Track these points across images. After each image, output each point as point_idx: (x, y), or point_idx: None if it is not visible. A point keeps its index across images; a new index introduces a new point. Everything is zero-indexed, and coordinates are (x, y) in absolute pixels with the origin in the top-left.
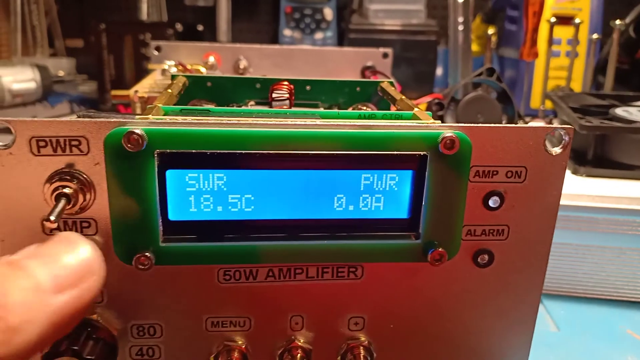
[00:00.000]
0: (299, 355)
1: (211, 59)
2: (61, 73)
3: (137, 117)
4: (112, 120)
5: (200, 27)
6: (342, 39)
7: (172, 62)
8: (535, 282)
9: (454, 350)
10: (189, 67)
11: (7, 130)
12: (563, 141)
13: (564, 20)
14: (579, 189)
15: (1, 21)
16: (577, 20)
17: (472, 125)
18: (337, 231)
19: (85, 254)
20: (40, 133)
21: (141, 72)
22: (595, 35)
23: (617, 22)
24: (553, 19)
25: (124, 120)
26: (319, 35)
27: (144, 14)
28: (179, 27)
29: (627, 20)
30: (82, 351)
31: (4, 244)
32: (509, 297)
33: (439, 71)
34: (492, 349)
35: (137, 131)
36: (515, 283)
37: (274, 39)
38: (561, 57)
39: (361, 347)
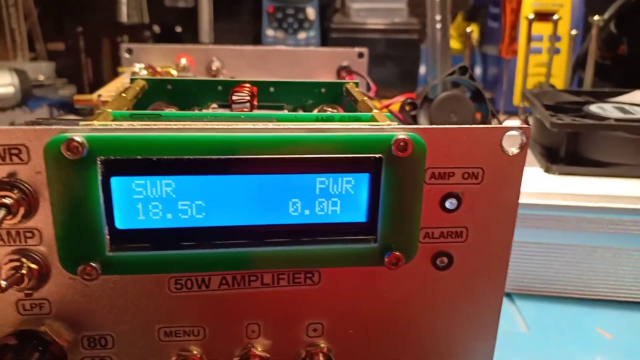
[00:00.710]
0: None
1: (183, 61)
2: (41, 77)
3: (81, 123)
4: (52, 127)
5: (178, 29)
6: (325, 39)
7: (142, 65)
8: (497, 283)
9: (415, 354)
10: (159, 69)
11: None
12: (521, 141)
13: (545, 16)
14: (551, 187)
15: None
16: (555, 17)
17: (426, 126)
18: (293, 236)
19: None
20: None
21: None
22: (574, 31)
23: (596, 17)
24: (531, 16)
25: (65, 128)
26: (302, 35)
27: (124, 16)
28: (156, 28)
29: (606, 15)
30: None
31: None
32: (470, 299)
33: (422, 70)
34: (455, 352)
35: (77, 138)
36: (476, 285)
37: (257, 39)
38: (543, 53)
39: (320, 354)
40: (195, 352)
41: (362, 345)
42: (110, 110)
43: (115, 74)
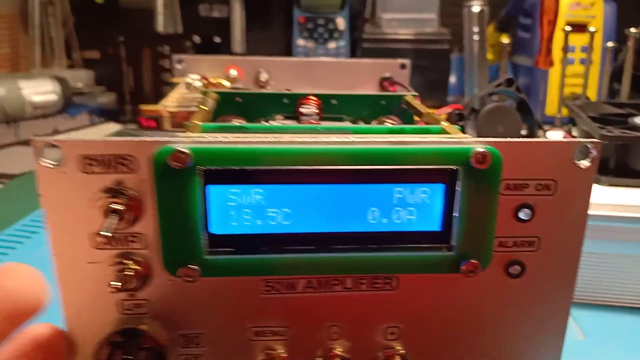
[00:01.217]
0: None
1: (233, 72)
2: (79, 85)
3: (181, 135)
4: (159, 139)
5: (217, 39)
6: (354, 48)
7: (197, 77)
8: (566, 291)
9: (487, 358)
10: (212, 80)
11: (55, 150)
12: (591, 155)
13: (578, 27)
14: (602, 198)
15: (20, 34)
16: (591, 29)
17: (503, 140)
18: (371, 243)
19: None
20: (89, 152)
21: (159, 84)
22: (610, 44)
23: (632, 30)
24: (568, 28)
25: (170, 140)
26: (332, 45)
27: (160, 26)
28: (196, 39)
29: None
30: (136, 359)
31: (57, 258)
32: (540, 307)
33: (452, 79)
34: (524, 356)
35: (183, 150)
36: (546, 293)
37: (288, 48)
38: (575, 64)
39: (397, 356)
40: (280, 351)
41: (436, 349)
42: (199, 123)
43: (155, 82)
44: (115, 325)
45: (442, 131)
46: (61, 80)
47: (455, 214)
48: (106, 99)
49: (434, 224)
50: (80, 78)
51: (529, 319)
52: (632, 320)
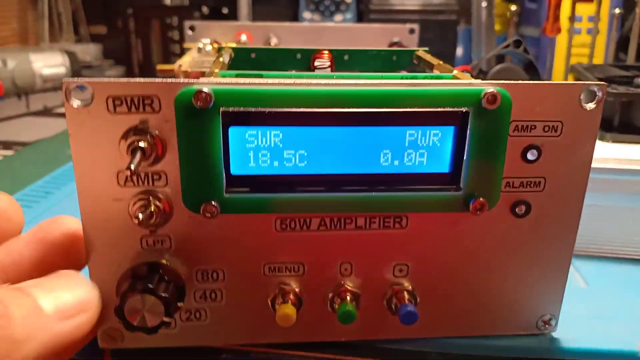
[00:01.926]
0: (348, 298)
1: (243, 37)
2: (88, 58)
3: (202, 78)
4: (182, 80)
5: (225, 10)
6: (361, 20)
7: (208, 41)
8: (569, 232)
9: (491, 295)
10: (223, 44)
11: (84, 91)
12: (597, 97)
13: None
14: (606, 153)
15: (28, 9)
16: None
17: (512, 82)
18: (383, 184)
19: (84, 293)
20: (116, 93)
21: (169, 55)
22: (617, 10)
23: None
24: None
25: (192, 81)
26: (338, 17)
27: None
28: (205, 10)
29: None
30: (157, 289)
31: (82, 195)
32: (544, 246)
33: (459, 51)
34: (529, 296)
35: (205, 90)
36: (550, 233)
37: (294, 21)
38: (582, 34)
39: (405, 292)
40: (294, 286)
41: (443, 286)
42: (217, 70)
43: (164, 54)
44: (137, 260)
45: (454, 77)
46: (70, 54)
47: (465, 156)
48: (115, 72)
49: (443, 166)
50: (89, 52)
51: (533, 259)
52: (632, 270)
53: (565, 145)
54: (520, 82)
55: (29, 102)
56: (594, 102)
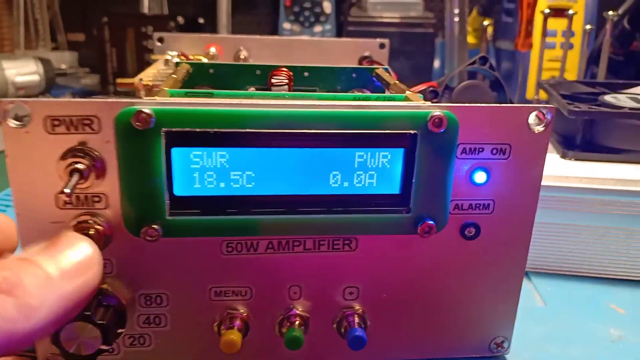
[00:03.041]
0: (297, 322)
1: (212, 50)
2: (63, 66)
3: (145, 98)
4: (122, 100)
5: (201, 20)
6: (341, 32)
7: (175, 53)
8: (520, 254)
9: (442, 318)
10: (191, 57)
11: (23, 111)
12: (546, 120)
13: (560, 11)
14: (567, 171)
15: (4, 15)
16: (570, 12)
17: (459, 105)
18: (333, 206)
19: (85, 251)
20: (55, 113)
21: (143, 65)
22: (588, 26)
23: (610, 12)
24: (547, 11)
25: (133, 101)
26: (318, 28)
27: (145, 7)
28: (180, 19)
29: (620, 11)
30: (94, 316)
31: (21, 218)
32: (495, 268)
33: (437, 64)
34: (481, 318)
35: (145, 110)
36: (501, 255)
37: (274, 31)
38: (557, 48)
39: (355, 315)
40: (242, 310)
41: (394, 308)
42: (167, 88)
43: (139, 63)
44: None
45: (406, 99)
46: (44, 61)
47: (414, 178)
48: (90, 80)
49: (393, 187)
50: (64, 59)
51: (484, 280)
52: (590, 288)
53: (514, 167)
54: (467, 105)
55: None
56: (543, 125)
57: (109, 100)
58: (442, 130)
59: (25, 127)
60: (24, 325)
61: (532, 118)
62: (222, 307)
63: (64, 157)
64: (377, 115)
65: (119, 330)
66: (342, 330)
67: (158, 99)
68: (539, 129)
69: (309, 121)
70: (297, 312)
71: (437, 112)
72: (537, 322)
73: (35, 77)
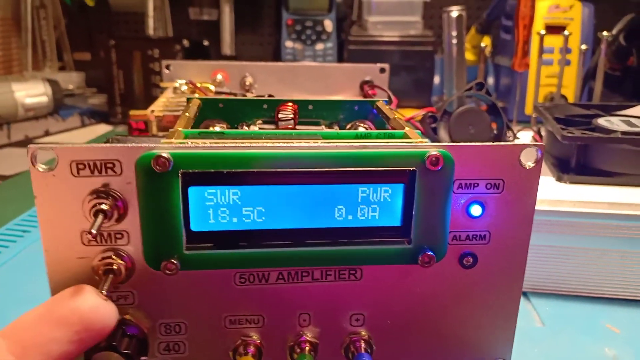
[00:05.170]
0: (307, 348)
1: (219, 77)
2: (71, 87)
3: (163, 141)
4: (142, 145)
5: (206, 43)
6: (341, 50)
7: (183, 81)
8: (516, 280)
9: (444, 342)
10: (198, 85)
11: (49, 154)
12: (536, 157)
13: (556, 29)
14: (563, 195)
15: (12, 37)
16: (566, 33)
17: (454, 144)
18: (338, 238)
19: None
20: (80, 157)
21: (149, 86)
22: (584, 46)
23: (605, 33)
24: (543, 32)
25: (152, 145)
26: (319, 46)
27: (150, 29)
28: (185, 43)
29: (615, 30)
30: (119, 346)
31: (48, 253)
32: (492, 294)
33: (437, 79)
34: (479, 340)
35: (164, 154)
36: (497, 282)
37: (276, 50)
38: (554, 65)
39: (362, 341)
40: (255, 337)
41: (398, 333)
42: (181, 129)
43: (146, 85)
44: None
45: (404, 136)
46: (53, 83)
47: (414, 211)
48: (97, 100)
49: (394, 220)
50: (72, 80)
51: (482, 305)
52: (587, 308)
53: (508, 200)
54: (462, 144)
55: (10, 132)
56: (533, 161)
57: (130, 145)
58: (439, 168)
59: (53, 171)
60: None
61: (523, 155)
62: (237, 334)
63: (89, 198)
64: (377, 155)
65: (142, 358)
66: (350, 354)
67: (175, 141)
68: (530, 165)
69: (314, 160)
70: (307, 338)
71: (434, 152)
72: (535, 342)
73: (44, 99)
